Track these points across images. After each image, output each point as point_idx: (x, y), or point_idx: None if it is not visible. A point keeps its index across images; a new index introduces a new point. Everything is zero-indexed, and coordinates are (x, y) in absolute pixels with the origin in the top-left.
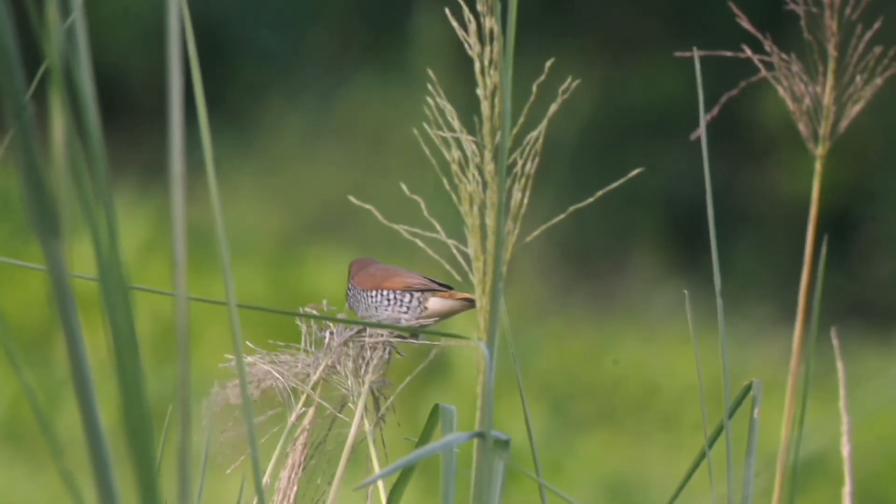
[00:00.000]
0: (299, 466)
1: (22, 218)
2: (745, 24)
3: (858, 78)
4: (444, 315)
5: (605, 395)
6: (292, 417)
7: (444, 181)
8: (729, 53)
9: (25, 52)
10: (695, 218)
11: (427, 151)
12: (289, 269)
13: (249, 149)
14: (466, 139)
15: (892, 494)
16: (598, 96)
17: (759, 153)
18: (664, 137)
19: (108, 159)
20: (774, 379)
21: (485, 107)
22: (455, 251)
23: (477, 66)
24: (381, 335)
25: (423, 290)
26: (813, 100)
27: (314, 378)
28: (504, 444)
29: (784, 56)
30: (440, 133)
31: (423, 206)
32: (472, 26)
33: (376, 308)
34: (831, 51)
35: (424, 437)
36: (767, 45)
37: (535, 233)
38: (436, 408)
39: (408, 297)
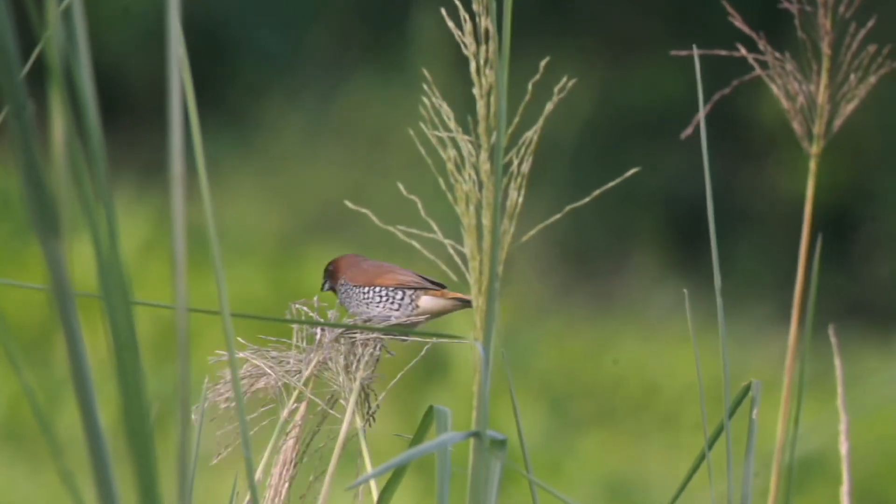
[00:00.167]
0: (291, 463)
1: (22, 218)
2: (739, 23)
3: (852, 76)
4: (436, 314)
5: (605, 395)
6: (284, 413)
7: (441, 181)
8: (724, 52)
9: (25, 52)
10: (694, 218)
11: (423, 151)
12: (288, 269)
13: (249, 149)
14: (462, 139)
15: (891, 494)
16: (598, 96)
17: (758, 153)
18: (664, 137)
19: (107, 159)
20: (774, 378)
21: (480, 106)
22: (452, 251)
23: (472, 65)
24: (372, 332)
25: (415, 288)
26: (807, 98)
27: (306, 374)
28: (500, 444)
29: (778, 55)
30: (436, 133)
31: (420, 206)
32: (468, 26)
33: (367, 304)
34: (825, 49)
35: (418, 438)
36: (762, 44)
37: (531, 232)
38: (430, 409)
39: (399, 294)
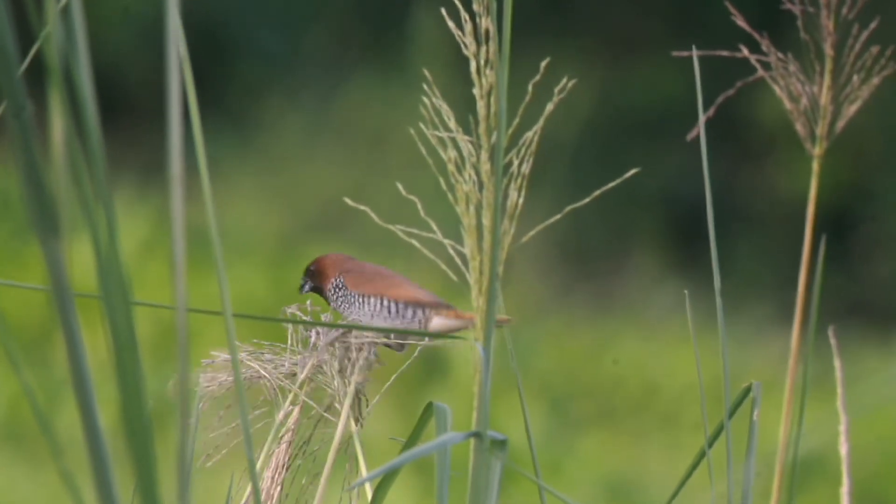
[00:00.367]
0: (283, 467)
1: (22, 218)
2: (742, 23)
3: (855, 78)
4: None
5: (605, 395)
6: (279, 416)
7: (441, 181)
8: (726, 53)
9: (25, 52)
10: (694, 218)
11: (424, 151)
12: (289, 269)
13: (249, 149)
14: (463, 139)
15: (891, 494)
16: (598, 96)
17: (758, 153)
18: (664, 137)
19: (107, 159)
20: (774, 379)
21: (481, 106)
22: (452, 251)
23: (473, 65)
24: (367, 336)
25: (427, 308)
26: (810, 100)
27: (301, 377)
28: (501, 444)
29: (781, 56)
30: (436, 133)
31: (419, 206)
32: (469, 26)
33: (372, 315)
34: (828, 50)
35: (415, 436)
36: (764, 44)
37: (532, 233)
38: (429, 406)
39: (410, 311)
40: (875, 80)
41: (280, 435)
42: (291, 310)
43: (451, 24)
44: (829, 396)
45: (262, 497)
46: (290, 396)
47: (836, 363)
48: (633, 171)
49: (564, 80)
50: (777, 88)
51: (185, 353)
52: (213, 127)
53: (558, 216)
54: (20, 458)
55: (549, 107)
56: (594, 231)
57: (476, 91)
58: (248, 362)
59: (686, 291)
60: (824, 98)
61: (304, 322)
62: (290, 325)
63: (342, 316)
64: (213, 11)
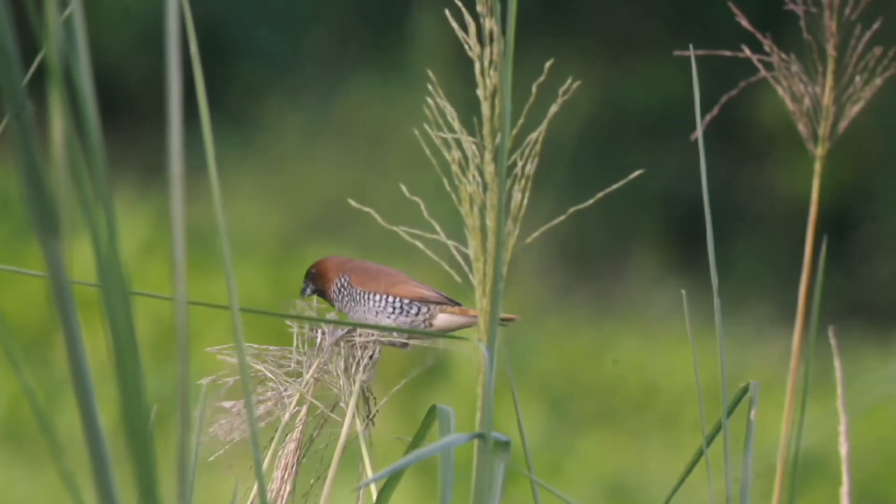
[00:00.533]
0: (292, 467)
1: (22, 218)
2: (745, 23)
3: (858, 78)
4: (446, 331)
5: (605, 395)
6: (286, 416)
7: (445, 182)
8: (728, 53)
9: (25, 51)
10: (694, 218)
11: (428, 152)
12: (289, 269)
13: (249, 148)
14: (467, 140)
15: (891, 494)
16: (598, 96)
17: (758, 153)
18: (664, 137)
19: (107, 159)
20: (774, 379)
21: (485, 108)
22: (455, 252)
23: (477, 67)
24: (371, 335)
25: (433, 304)
26: (812, 100)
27: (306, 377)
28: (504, 446)
29: (783, 56)
30: (440, 134)
31: (422, 206)
32: (472, 28)
33: (377, 313)
34: (831, 51)
35: (419, 438)
36: (767, 45)
37: (535, 234)
38: (433, 408)
39: (415, 308)
40: (878, 81)
41: (287, 435)
42: (296, 309)
43: (455, 25)
44: (829, 396)
45: (273, 497)
46: (296, 397)
47: (836, 363)
48: (637, 173)
49: (569, 82)
50: (780, 89)
51: (186, 354)
52: (213, 127)
53: (562, 217)
54: (20, 458)
55: (554, 108)
56: (594, 231)
57: (480, 92)
58: (253, 364)
59: (684, 292)
60: (827, 98)
61: (309, 319)
62: (294, 326)
63: (347, 316)
64: (213, 11)
